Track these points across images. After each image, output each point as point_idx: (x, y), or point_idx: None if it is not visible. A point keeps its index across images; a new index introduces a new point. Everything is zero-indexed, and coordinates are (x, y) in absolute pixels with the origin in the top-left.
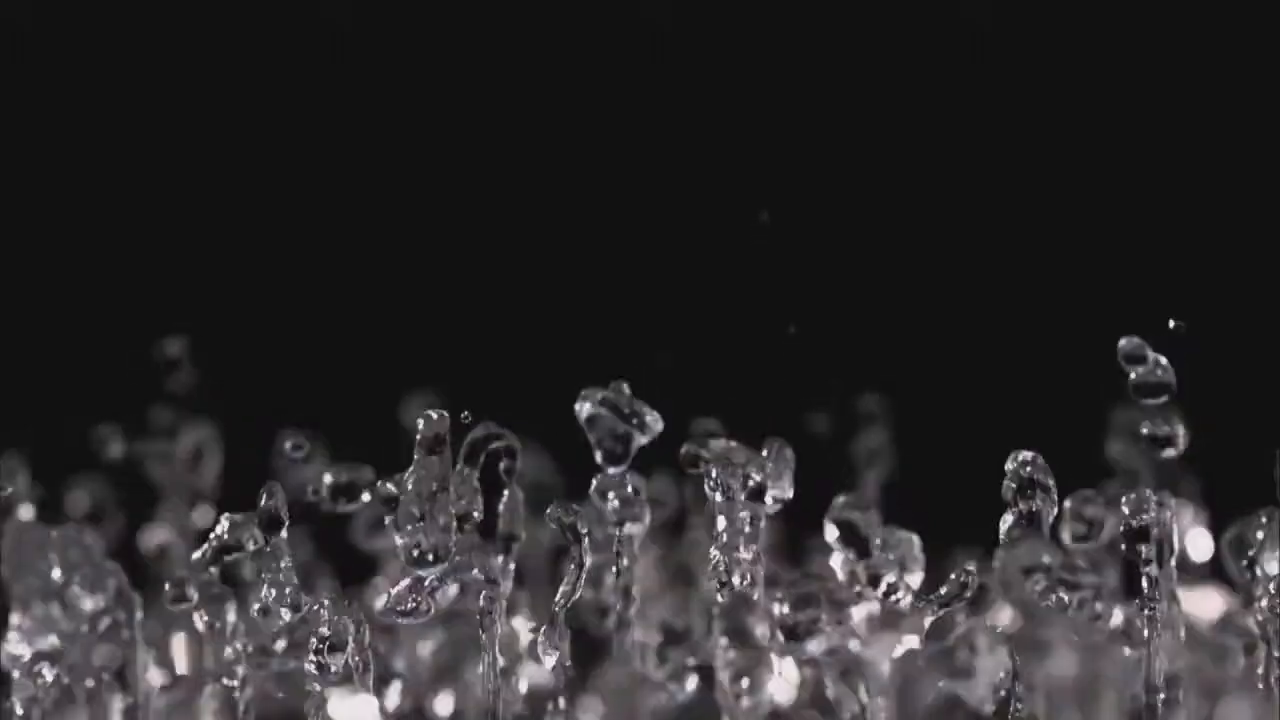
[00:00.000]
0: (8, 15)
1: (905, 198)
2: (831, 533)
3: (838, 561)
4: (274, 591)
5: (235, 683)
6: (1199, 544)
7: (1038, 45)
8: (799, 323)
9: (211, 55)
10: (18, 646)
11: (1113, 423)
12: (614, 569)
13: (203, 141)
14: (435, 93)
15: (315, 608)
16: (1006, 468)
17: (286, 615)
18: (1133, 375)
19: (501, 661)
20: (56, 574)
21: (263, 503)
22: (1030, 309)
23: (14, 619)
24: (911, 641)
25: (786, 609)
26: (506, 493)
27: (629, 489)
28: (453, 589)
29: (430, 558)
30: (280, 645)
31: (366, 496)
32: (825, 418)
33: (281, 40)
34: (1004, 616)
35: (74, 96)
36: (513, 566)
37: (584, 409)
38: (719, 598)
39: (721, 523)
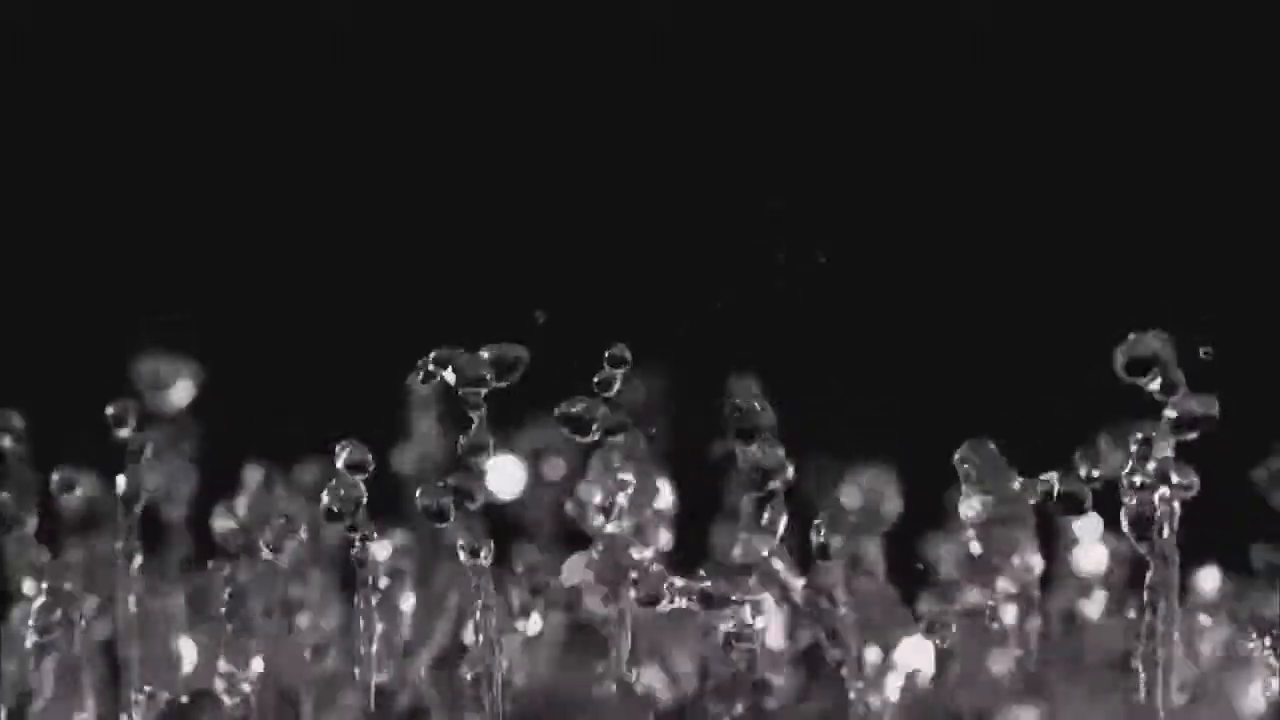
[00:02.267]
0: (5, 14)
1: (903, 197)
2: None
3: None
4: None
5: None
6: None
7: (1038, 45)
8: (797, 324)
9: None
10: None
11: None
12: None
13: (192, 143)
14: (421, 81)
15: None
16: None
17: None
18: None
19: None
20: None
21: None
22: (1027, 307)
23: None
24: None
25: None
26: None
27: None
28: None
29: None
30: None
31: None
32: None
33: (276, 33)
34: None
35: (61, 86)
36: None
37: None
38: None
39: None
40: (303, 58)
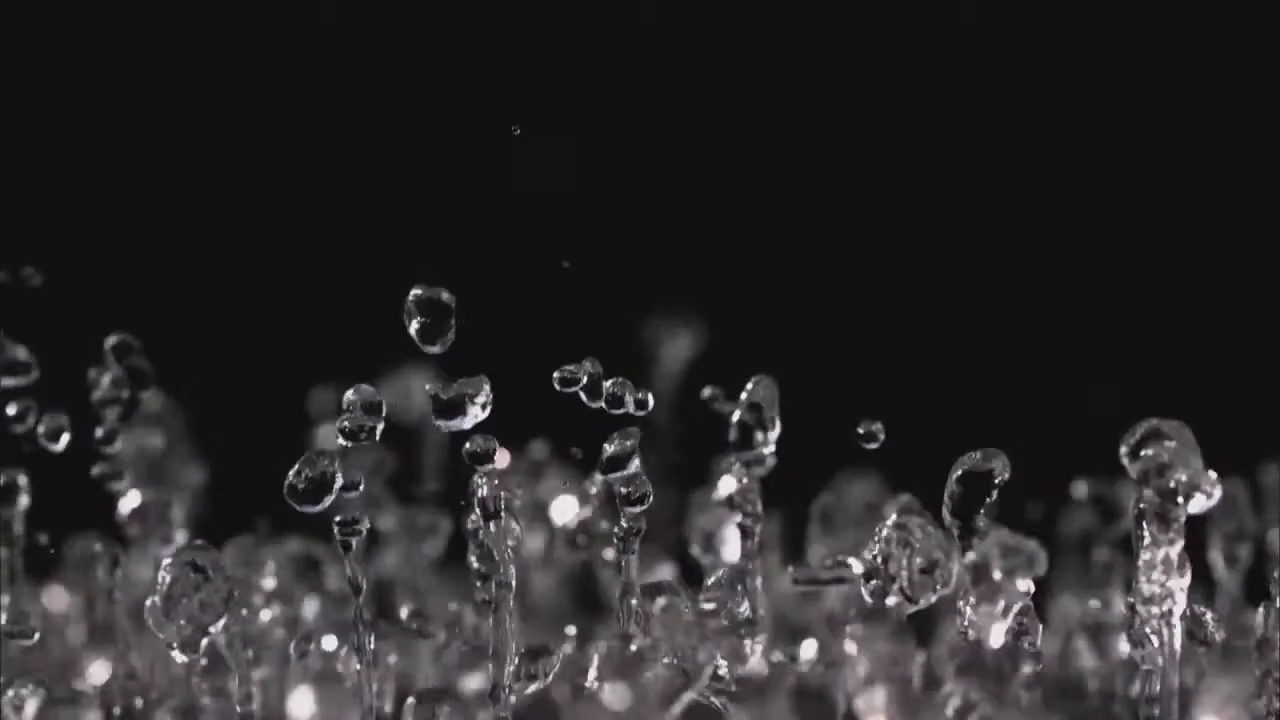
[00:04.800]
0: None
1: (894, 198)
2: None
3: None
4: None
5: None
6: None
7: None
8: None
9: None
10: None
11: None
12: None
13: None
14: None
15: None
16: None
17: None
18: None
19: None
20: None
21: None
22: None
23: None
24: None
25: None
26: None
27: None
28: None
29: None
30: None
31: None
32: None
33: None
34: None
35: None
36: None
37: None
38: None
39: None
40: (300, 40)
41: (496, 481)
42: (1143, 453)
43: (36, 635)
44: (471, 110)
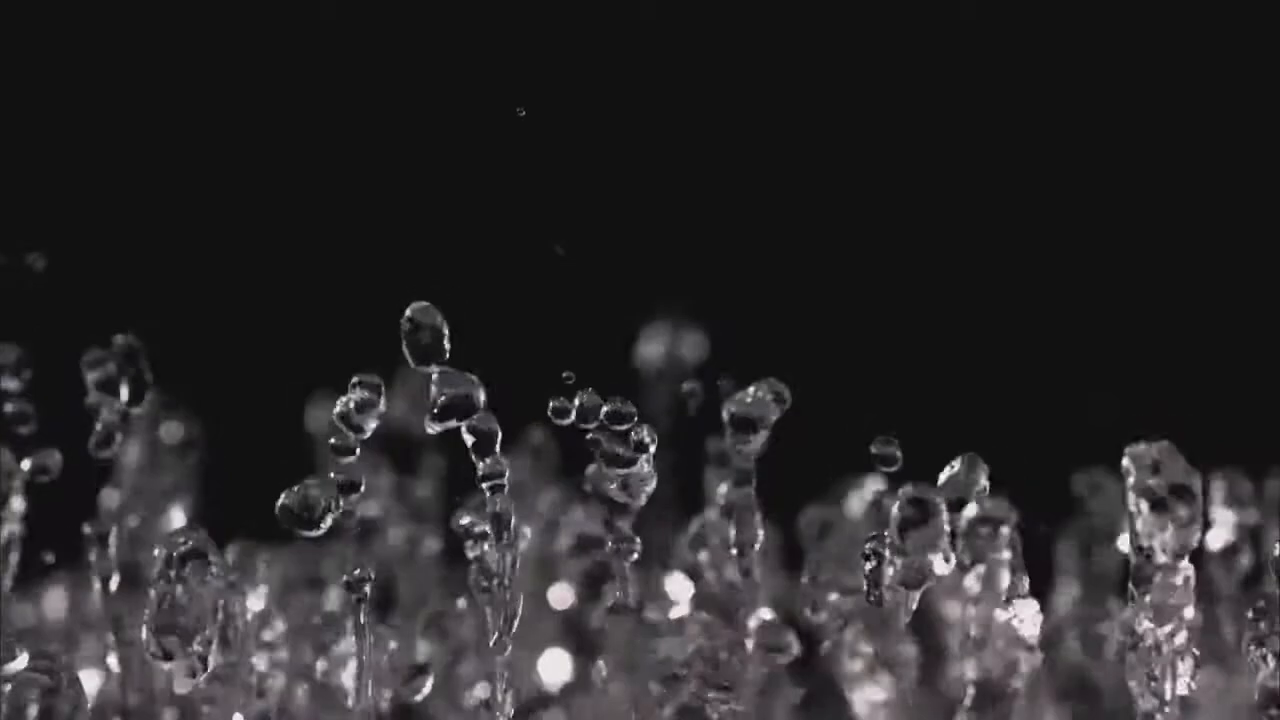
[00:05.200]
0: None
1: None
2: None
3: None
4: None
5: None
6: None
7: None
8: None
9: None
10: None
11: None
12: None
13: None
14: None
15: None
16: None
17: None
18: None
19: None
20: None
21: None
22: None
23: None
24: None
25: None
26: None
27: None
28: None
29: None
30: None
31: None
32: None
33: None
34: None
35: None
36: None
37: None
38: None
39: None
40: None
41: (500, 462)
42: (1146, 511)
43: (22, 656)
44: (470, 110)
